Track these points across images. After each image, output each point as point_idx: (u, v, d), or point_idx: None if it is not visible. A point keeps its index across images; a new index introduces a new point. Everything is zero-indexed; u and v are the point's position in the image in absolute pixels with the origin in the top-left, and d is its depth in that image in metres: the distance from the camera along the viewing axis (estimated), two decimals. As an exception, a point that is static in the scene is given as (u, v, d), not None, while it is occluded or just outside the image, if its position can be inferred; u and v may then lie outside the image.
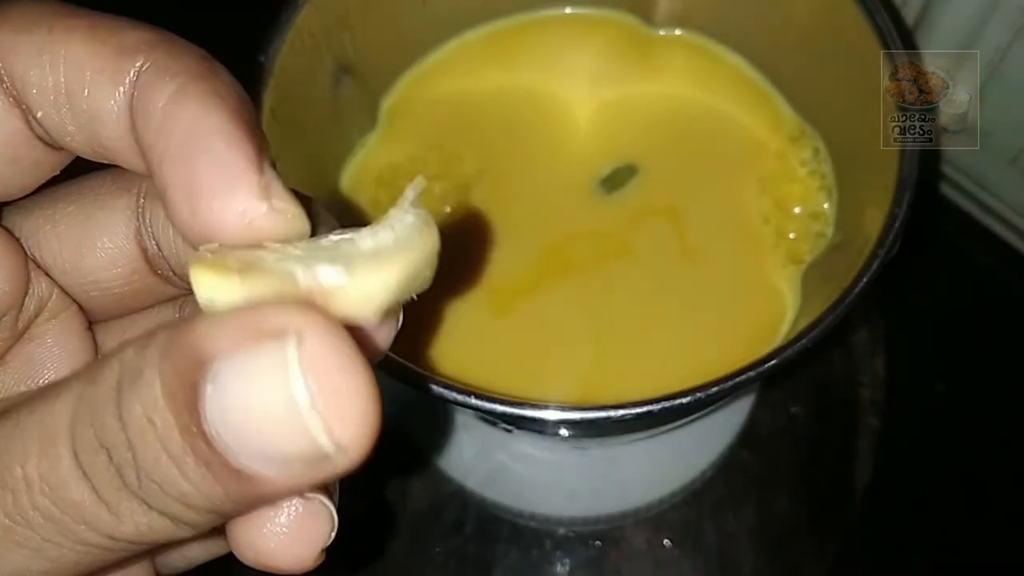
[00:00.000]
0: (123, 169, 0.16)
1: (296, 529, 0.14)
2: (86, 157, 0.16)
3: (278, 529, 0.14)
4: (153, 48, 0.14)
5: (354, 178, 0.34)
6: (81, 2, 0.15)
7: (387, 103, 0.35)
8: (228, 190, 0.13)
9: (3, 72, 0.14)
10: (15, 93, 0.15)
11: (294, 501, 0.14)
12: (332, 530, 0.15)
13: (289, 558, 0.14)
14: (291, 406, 0.11)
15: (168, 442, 0.12)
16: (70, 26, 0.14)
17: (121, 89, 0.14)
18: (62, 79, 0.14)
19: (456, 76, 0.36)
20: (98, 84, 0.14)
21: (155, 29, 0.15)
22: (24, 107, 0.15)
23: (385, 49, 0.34)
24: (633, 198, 0.34)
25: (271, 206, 0.14)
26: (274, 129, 0.28)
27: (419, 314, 0.31)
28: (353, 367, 0.11)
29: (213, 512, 0.12)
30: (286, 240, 0.14)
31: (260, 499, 0.12)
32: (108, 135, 0.15)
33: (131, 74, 0.14)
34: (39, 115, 0.15)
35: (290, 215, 0.14)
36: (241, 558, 0.15)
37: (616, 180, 0.34)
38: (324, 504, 0.15)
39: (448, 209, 0.33)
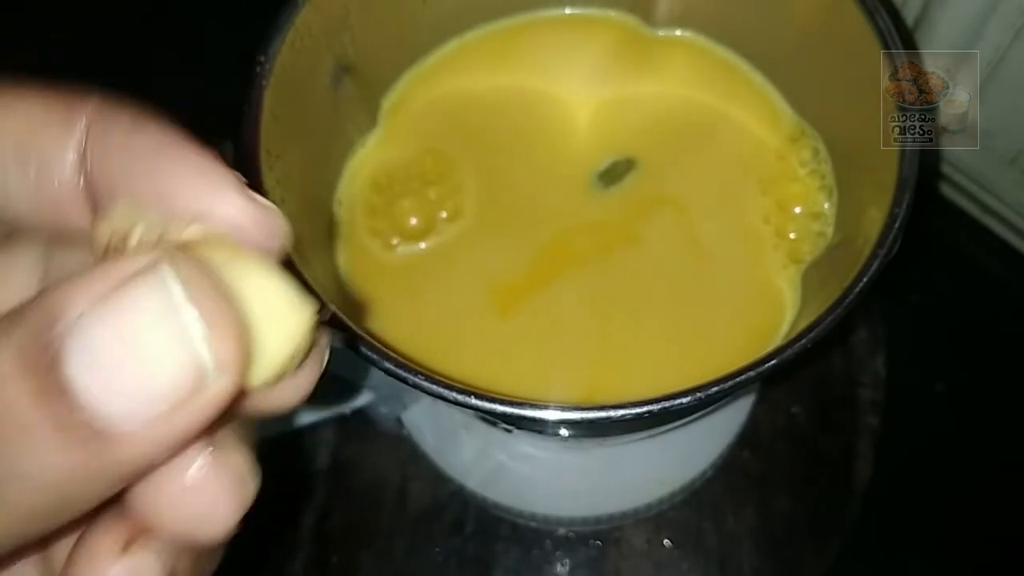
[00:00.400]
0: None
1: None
2: (20, 218, 0.15)
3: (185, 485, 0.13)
4: (101, 98, 0.14)
5: (353, 178, 0.34)
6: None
7: (387, 103, 0.35)
8: (212, 190, 0.13)
9: None
10: None
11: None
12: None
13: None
14: (174, 327, 0.11)
15: (19, 412, 0.11)
16: (22, 90, 0.15)
17: (74, 133, 0.14)
18: (12, 128, 0.14)
19: (456, 76, 0.36)
20: (50, 131, 0.14)
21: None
22: None
23: (385, 49, 0.34)
24: (631, 194, 0.34)
25: (257, 205, 0.14)
26: (274, 129, 0.28)
27: (427, 320, 0.31)
28: (223, 287, 0.12)
29: (62, 497, 0.12)
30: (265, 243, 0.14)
31: (121, 467, 0.12)
32: (57, 181, 0.14)
33: (83, 119, 0.14)
34: None
35: (273, 213, 0.14)
36: None
37: (614, 174, 0.34)
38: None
39: (444, 215, 0.33)
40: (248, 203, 0.14)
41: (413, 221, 0.33)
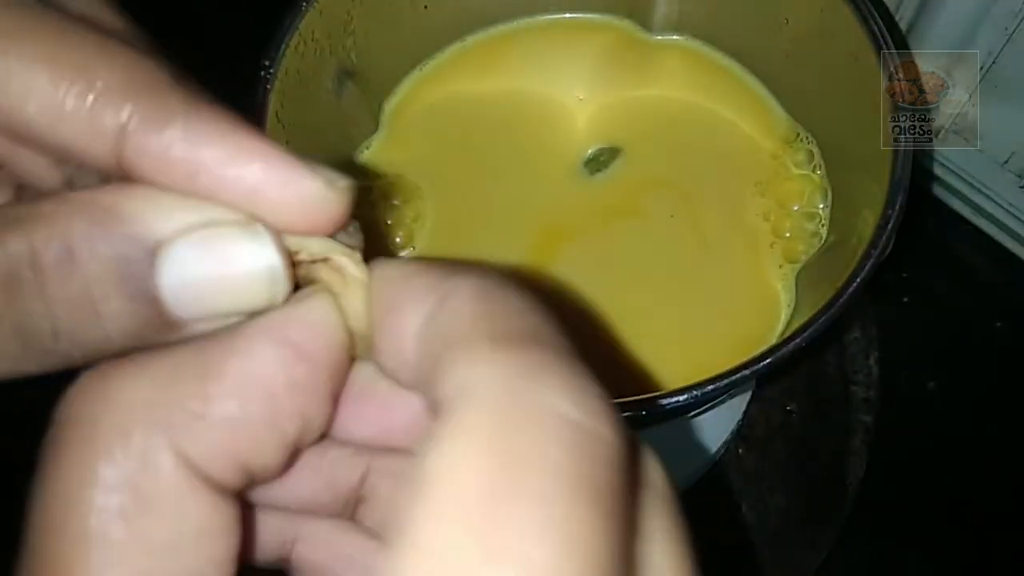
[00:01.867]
0: None
1: None
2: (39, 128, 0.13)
3: None
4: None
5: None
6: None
7: (389, 106, 0.35)
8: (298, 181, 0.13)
9: None
10: None
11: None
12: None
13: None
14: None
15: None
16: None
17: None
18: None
19: (456, 79, 0.36)
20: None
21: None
22: None
23: (387, 54, 0.34)
24: (617, 180, 0.34)
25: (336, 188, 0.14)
26: (279, 133, 0.28)
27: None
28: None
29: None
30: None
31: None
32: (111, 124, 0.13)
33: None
34: None
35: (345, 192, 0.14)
36: None
37: (599, 161, 0.34)
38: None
39: (399, 239, 0.33)
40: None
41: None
